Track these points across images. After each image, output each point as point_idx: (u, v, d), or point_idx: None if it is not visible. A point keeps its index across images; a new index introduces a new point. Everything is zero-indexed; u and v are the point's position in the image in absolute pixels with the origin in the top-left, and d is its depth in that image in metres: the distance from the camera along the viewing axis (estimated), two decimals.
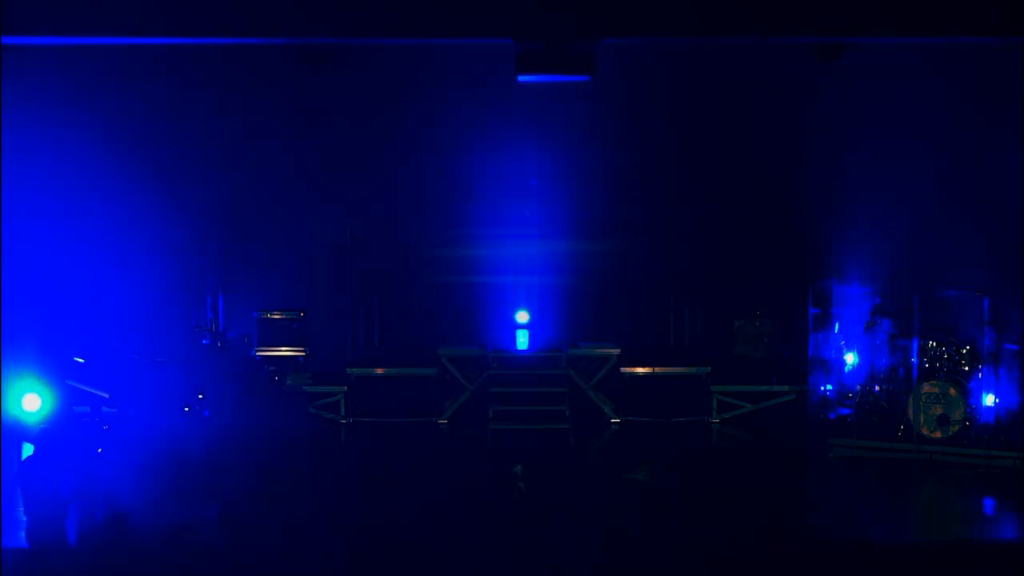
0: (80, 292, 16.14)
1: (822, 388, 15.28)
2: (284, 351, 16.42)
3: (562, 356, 16.24)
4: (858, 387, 14.84)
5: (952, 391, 14.07)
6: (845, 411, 14.88)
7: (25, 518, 11.12)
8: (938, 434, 14.02)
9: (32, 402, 14.51)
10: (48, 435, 12.63)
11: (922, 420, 14.05)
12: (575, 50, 12.28)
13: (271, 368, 16.01)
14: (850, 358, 15.26)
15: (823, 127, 16.04)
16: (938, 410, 14.04)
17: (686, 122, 16.78)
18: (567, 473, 13.90)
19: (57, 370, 15.18)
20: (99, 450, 13.18)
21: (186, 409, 14.49)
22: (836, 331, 15.44)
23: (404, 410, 16.10)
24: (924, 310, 14.48)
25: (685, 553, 9.28)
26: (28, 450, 13.52)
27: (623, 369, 16.18)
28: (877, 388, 14.82)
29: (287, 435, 15.19)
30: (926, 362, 14.46)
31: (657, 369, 16.26)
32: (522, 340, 17.07)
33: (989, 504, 12.89)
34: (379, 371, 16.34)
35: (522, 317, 17.33)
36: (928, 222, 15.43)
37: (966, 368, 14.47)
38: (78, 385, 15.27)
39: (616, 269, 17.30)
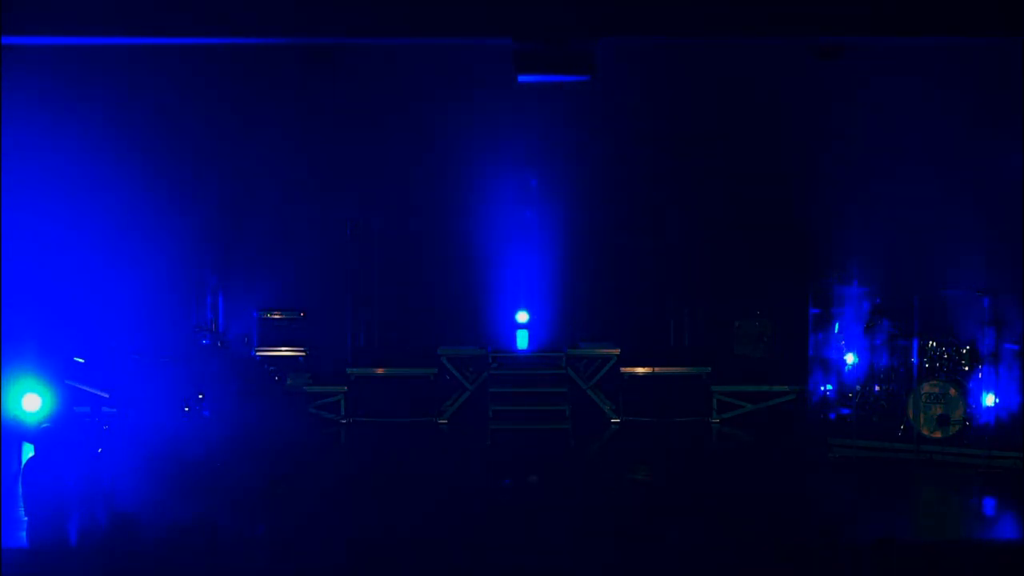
0: (80, 291, 16.14)
1: (822, 388, 15.28)
2: (284, 351, 16.42)
3: (562, 356, 16.24)
4: (858, 387, 14.84)
5: (952, 391, 14.07)
6: (845, 411, 14.88)
7: (25, 518, 11.11)
8: (938, 434, 14.02)
9: (32, 402, 14.52)
10: (48, 435, 12.62)
11: (922, 420, 14.05)
12: (575, 50, 12.27)
13: (271, 368, 16.00)
14: (850, 358, 15.26)
15: (823, 126, 16.03)
16: (938, 410, 14.04)
17: (686, 121, 16.78)
18: (567, 473, 13.90)
19: (57, 370, 15.18)
20: (99, 450, 13.17)
21: (186, 409, 14.48)
22: (836, 331, 15.44)
23: (404, 410, 16.11)
24: (924, 310, 14.48)
25: (685, 553, 9.28)
26: (28, 450, 13.53)
27: (623, 369, 16.18)
28: (877, 388, 14.82)
29: (287, 435, 15.19)
30: (926, 362, 14.45)
31: (657, 369, 16.26)
32: (522, 340, 17.07)
33: (989, 504, 12.89)
34: (379, 371, 16.34)
35: (522, 317, 17.33)
36: (928, 222, 15.43)
37: (966, 368, 14.47)
38: (78, 385, 15.26)
39: (616, 269, 17.29)
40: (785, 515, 11.61)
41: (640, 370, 16.23)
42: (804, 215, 16.37)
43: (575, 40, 12.19)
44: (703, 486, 13.13)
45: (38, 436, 13.09)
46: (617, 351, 16.22)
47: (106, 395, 14.94)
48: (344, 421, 16.00)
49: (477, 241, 17.26)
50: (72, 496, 11.45)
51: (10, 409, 14.62)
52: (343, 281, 17.46)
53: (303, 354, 16.45)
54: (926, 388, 14.10)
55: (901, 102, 15.61)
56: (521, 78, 12.57)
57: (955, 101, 15.29)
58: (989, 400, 14.35)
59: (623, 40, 13.23)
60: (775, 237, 16.68)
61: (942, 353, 14.48)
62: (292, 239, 16.95)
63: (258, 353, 16.37)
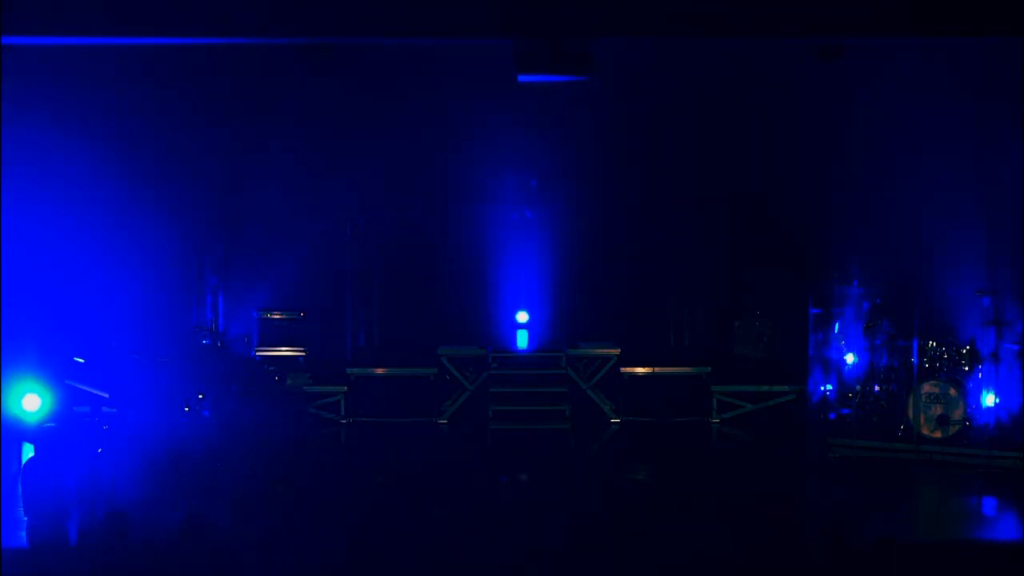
0: (80, 292, 16.13)
1: (822, 388, 15.28)
2: (284, 351, 16.41)
3: (562, 356, 16.24)
4: (858, 387, 14.83)
5: (952, 391, 14.07)
6: (845, 411, 14.88)
7: (25, 518, 11.11)
8: (938, 434, 14.02)
9: (32, 402, 14.53)
10: (48, 435, 12.62)
11: (922, 420, 14.05)
12: (575, 50, 12.27)
13: (271, 368, 16.00)
14: (850, 358, 15.26)
15: (823, 126, 16.02)
16: (938, 410, 14.04)
17: (686, 121, 16.78)
18: (567, 473, 13.91)
19: (57, 370, 15.19)
20: (99, 450, 13.17)
21: (186, 409, 14.49)
22: (836, 331, 15.43)
23: (404, 410, 16.10)
24: (924, 310, 14.48)
25: (685, 554, 9.28)
26: (28, 450, 13.53)
27: (623, 369, 16.18)
28: (877, 388, 14.81)
29: (287, 435, 15.19)
30: (926, 362, 14.45)
31: (657, 369, 16.26)
32: (522, 340, 17.06)
33: (989, 504, 12.89)
34: (379, 371, 16.34)
35: (522, 317, 17.32)
36: (928, 222, 15.42)
37: (966, 368, 14.47)
38: (78, 385, 15.26)
39: (616, 269, 17.29)
40: (785, 515, 11.59)
41: (640, 370, 16.23)
42: (804, 215, 16.36)
43: (575, 40, 12.19)
44: (703, 486, 13.13)
45: (38, 436, 13.09)
46: (617, 351, 16.22)
47: (106, 395, 14.93)
48: (344, 421, 16.00)
49: (477, 241, 17.26)
50: (72, 496, 11.44)
51: (10, 409, 14.63)
52: (343, 281, 17.45)
53: (303, 354, 16.44)
54: (926, 388, 14.10)
55: (901, 102, 15.60)
56: (521, 78, 12.57)
57: (955, 101, 15.29)
58: (989, 400, 14.36)
59: (623, 40, 13.24)
60: (775, 237, 16.67)
61: (942, 353, 14.48)
62: (292, 239, 16.94)
63: (258, 353, 16.37)
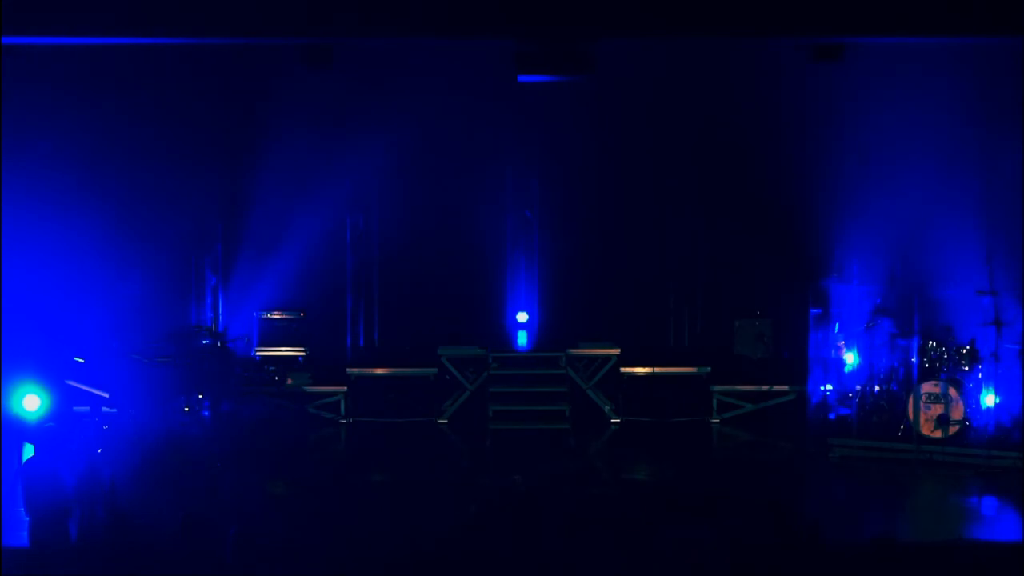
0: (79, 292, 16.13)
1: (822, 388, 15.28)
2: (284, 351, 16.41)
3: (562, 356, 16.24)
4: (858, 387, 14.83)
5: (952, 391, 14.07)
6: (845, 411, 14.88)
7: (26, 518, 11.11)
8: (938, 434, 14.02)
9: (32, 402, 14.53)
10: (48, 435, 12.62)
11: (922, 420, 14.05)
12: (575, 50, 12.29)
13: (271, 368, 16.00)
14: (850, 358, 15.26)
15: (823, 126, 16.02)
16: (938, 410, 14.04)
17: (685, 121, 16.77)
18: (567, 473, 13.91)
19: (57, 370, 15.19)
20: (99, 450, 13.17)
21: (186, 409, 14.49)
22: (836, 331, 15.44)
23: (404, 410, 16.10)
24: (924, 310, 14.48)
25: (685, 553, 9.28)
26: (28, 450, 13.53)
27: (623, 369, 16.18)
28: (877, 388, 14.81)
29: (287, 435, 15.19)
30: (926, 362, 14.45)
31: (657, 369, 16.25)
32: (522, 340, 17.06)
33: (989, 504, 12.90)
34: (379, 371, 16.34)
35: (522, 317, 17.32)
36: (928, 222, 15.42)
37: (966, 368, 14.47)
38: (78, 385, 15.26)
39: (616, 269, 17.29)
40: (785, 515, 11.60)
41: (640, 370, 16.23)
42: (804, 215, 16.35)
43: (575, 40, 12.21)
44: (703, 486, 13.13)
45: (38, 436, 13.08)
46: (617, 351, 16.22)
47: (106, 395, 14.93)
48: (344, 421, 16.00)
49: (477, 241, 17.25)
50: (72, 496, 11.43)
51: (10, 409, 14.63)
52: (343, 281, 17.45)
53: (303, 354, 16.44)
54: (926, 388, 14.11)
55: (901, 102, 15.59)
56: (521, 78, 12.60)
57: (955, 101, 15.28)
58: (989, 400, 14.36)
59: (623, 40, 13.25)
60: (775, 237, 16.66)
61: (942, 353, 14.48)
62: (292, 239, 16.93)
63: (258, 353, 16.37)
